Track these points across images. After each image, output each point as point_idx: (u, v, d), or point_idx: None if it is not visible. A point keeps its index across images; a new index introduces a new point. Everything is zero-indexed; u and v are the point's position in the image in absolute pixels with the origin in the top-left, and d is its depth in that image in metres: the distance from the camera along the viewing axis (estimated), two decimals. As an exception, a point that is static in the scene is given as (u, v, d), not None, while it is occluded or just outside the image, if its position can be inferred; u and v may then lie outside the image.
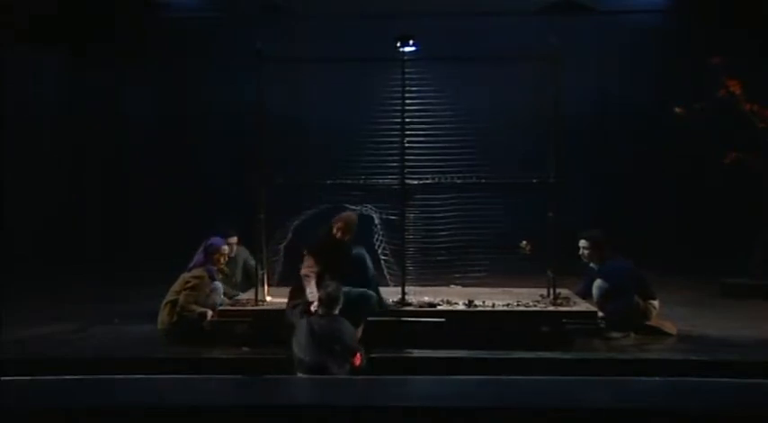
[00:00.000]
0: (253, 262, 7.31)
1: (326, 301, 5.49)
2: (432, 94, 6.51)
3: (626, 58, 10.62)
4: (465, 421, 3.25)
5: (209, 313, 6.39)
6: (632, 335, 6.52)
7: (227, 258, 7.05)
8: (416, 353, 5.98)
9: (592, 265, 6.77)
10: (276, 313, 6.19)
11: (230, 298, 6.89)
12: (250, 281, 7.30)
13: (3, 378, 3.95)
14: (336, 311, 5.51)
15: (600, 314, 6.33)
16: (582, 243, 6.77)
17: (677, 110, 8.96)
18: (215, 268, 6.80)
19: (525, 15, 9.89)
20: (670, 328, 6.65)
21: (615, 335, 6.44)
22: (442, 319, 6.22)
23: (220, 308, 6.43)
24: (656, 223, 10.41)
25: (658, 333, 6.59)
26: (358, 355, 5.39)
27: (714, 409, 3.33)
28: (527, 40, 7.32)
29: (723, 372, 5.46)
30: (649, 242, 9.52)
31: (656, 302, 6.66)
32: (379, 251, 6.78)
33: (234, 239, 7.49)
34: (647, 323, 6.62)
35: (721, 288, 8.74)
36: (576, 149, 8.67)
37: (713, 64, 8.68)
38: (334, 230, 6.22)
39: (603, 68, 10.78)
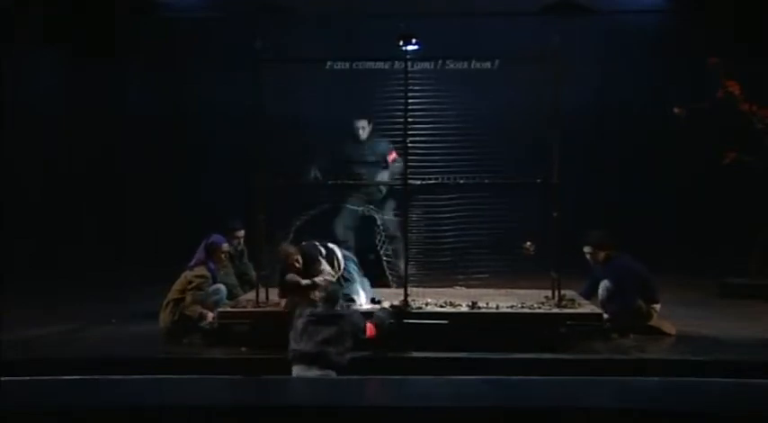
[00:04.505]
0: (253, 273, 7.31)
1: (327, 299, 5.57)
2: (434, 94, 6.45)
3: (625, 58, 10.61)
4: (464, 421, 3.25)
5: (210, 315, 6.38)
6: (632, 335, 6.52)
7: (228, 255, 7.05)
8: (416, 354, 5.96)
9: (598, 265, 6.78)
10: (277, 315, 6.19)
11: (233, 298, 6.87)
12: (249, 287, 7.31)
13: (3, 378, 3.94)
14: (336, 308, 5.56)
15: (605, 316, 6.33)
16: (586, 249, 6.77)
17: (676, 110, 8.97)
18: (216, 266, 6.80)
19: (525, 16, 9.88)
20: (669, 328, 6.65)
21: (615, 335, 6.44)
22: (445, 321, 6.18)
23: (220, 310, 6.41)
24: (656, 223, 10.40)
25: (658, 333, 6.59)
26: (369, 326, 5.52)
27: (714, 409, 3.33)
28: (527, 40, 7.30)
29: (723, 372, 5.46)
30: (649, 242, 9.50)
31: (657, 306, 6.66)
32: (382, 252, 6.75)
33: (241, 232, 7.47)
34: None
35: (721, 288, 8.73)
36: (575, 150, 8.66)
37: (711, 65, 8.70)
38: (292, 264, 6.26)
39: (602, 69, 10.76)
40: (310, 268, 6.24)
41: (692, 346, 6.30)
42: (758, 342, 6.39)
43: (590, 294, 6.78)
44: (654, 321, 6.64)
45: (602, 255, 6.73)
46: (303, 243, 6.47)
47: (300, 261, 6.29)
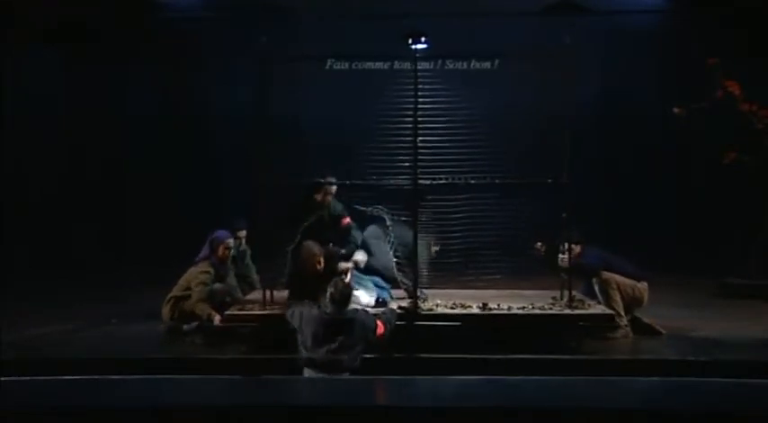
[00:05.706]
0: (256, 276, 7.28)
1: (338, 299, 5.38)
2: (443, 93, 6.35)
3: (625, 58, 10.61)
4: (465, 421, 3.25)
5: (217, 318, 6.36)
6: (631, 334, 6.54)
7: (231, 252, 7.04)
8: (422, 355, 5.94)
9: (582, 261, 6.78)
10: (282, 317, 6.17)
11: (232, 296, 6.85)
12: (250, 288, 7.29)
13: (3, 378, 3.94)
14: (349, 308, 5.46)
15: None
16: (576, 247, 6.77)
17: (676, 110, 8.98)
18: (219, 260, 6.80)
19: (525, 16, 9.87)
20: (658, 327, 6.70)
21: (615, 335, 6.46)
22: (458, 323, 6.13)
23: (227, 313, 6.36)
24: (656, 223, 10.40)
25: (651, 332, 6.63)
26: (380, 325, 5.45)
27: (714, 409, 3.32)
28: (529, 40, 7.28)
29: (723, 372, 5.47)
30: (649, 242, 9.51)
31: (645, 284, 6.72)
32: (391, 253, 6.70)
33: (243, 233, 7.44)
34: (642, 320, 6.69)
35: (721, 288, 8.75)
36: (575, 150, 8.64)
37: (711, 65, 8.71)
38: (314, 265, 6.24)
39: (603, 69, 10.75)
40: (330, 272, 6.22)
41: (692, 346, 6.30)
42: (758, 342, 6.40)
43: (589, 292, 6.80)
44: (649, 320, 6.68)
45: (578, 249, 6.78)
46: (326, 246, 6.46)
47: (323, 263, 6.28)
